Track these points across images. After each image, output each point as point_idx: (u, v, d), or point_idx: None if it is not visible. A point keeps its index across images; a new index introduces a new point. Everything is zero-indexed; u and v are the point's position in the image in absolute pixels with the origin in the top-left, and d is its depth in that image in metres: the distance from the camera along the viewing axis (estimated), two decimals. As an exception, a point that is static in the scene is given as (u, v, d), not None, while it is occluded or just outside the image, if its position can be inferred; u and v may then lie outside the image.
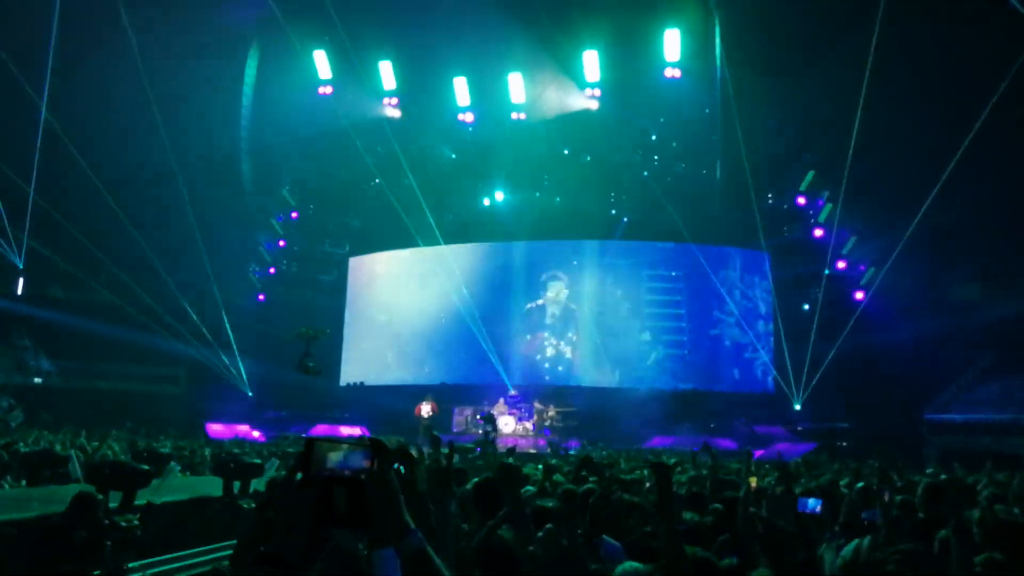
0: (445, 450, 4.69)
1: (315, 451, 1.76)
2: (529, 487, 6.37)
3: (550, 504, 4.47)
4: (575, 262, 30.93)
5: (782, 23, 25.55)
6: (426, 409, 25.73)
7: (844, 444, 24.29)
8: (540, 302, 30.74)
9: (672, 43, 28.05)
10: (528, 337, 30.59)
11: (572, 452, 20.43)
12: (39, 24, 22.68)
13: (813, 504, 4.36)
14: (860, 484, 6.58)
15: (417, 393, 29.97)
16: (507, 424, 26.18)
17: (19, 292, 30.97)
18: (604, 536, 4.14)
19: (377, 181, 31.16)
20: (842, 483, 8.42)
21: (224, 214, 29.48)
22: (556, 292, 30.86)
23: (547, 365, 30.43)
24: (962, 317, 24.92)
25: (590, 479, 6.19)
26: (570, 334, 30.55)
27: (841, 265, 28.38)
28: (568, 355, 30.48)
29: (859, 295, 27.45)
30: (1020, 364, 25.20)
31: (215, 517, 7.50)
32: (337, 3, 26.87)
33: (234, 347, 28.37)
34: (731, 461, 13.15)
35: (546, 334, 30.67)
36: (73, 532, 4.93)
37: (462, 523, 4.05)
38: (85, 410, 23.16)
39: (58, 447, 11.64)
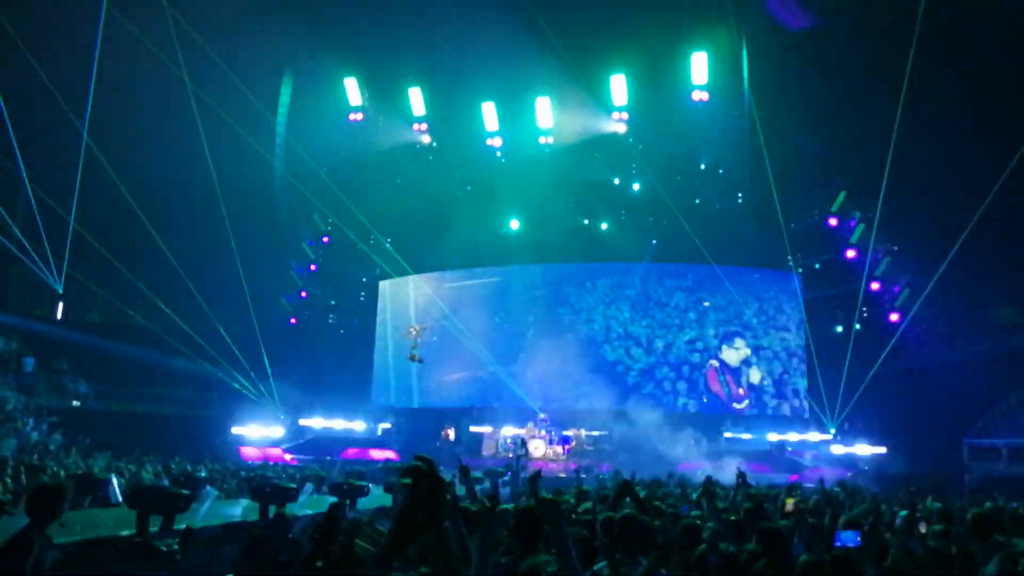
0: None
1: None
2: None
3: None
4: (609, 285, 30.84)
5: (810, 43, 25.48)
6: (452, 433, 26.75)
7: (882, 470, 23.70)
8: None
9: (699, 66, 28.11)
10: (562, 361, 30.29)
11: (604, 476, 20.20)
12: (81, 52, 23.33)
13: (849, 538, 4.25)
14: (903, 512, 6.44)
15: (448, 416, 30.04)
16: (537, 448, 26.08)
17: (59, 317, 31.70)
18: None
19: (407, 205, 31.50)
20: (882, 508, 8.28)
21: (257, 239, 29.95)
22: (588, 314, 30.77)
23: (577, 388, 30.19)
24: (1002, 340, 24.36)
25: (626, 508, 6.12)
26: (598, 356, 30.37)
27: (875, 286, 27.95)
28: (601, 378, 30.24)
29: (894, 317, 26.99)
30: (1063, 387, 24.54)
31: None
32: (368, 31, 27.41)
33: (268, 370, 28.64)
34: (763, 486, 12.94)
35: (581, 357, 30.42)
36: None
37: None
38: (121, 433, 23.48)
39: (96, 470, 11.82)
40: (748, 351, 29.42)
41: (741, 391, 29.11)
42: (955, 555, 4.77)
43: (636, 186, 31.28)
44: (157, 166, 25.19)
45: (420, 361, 27.29)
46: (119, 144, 24.39)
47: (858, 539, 4.17)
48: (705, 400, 29.22)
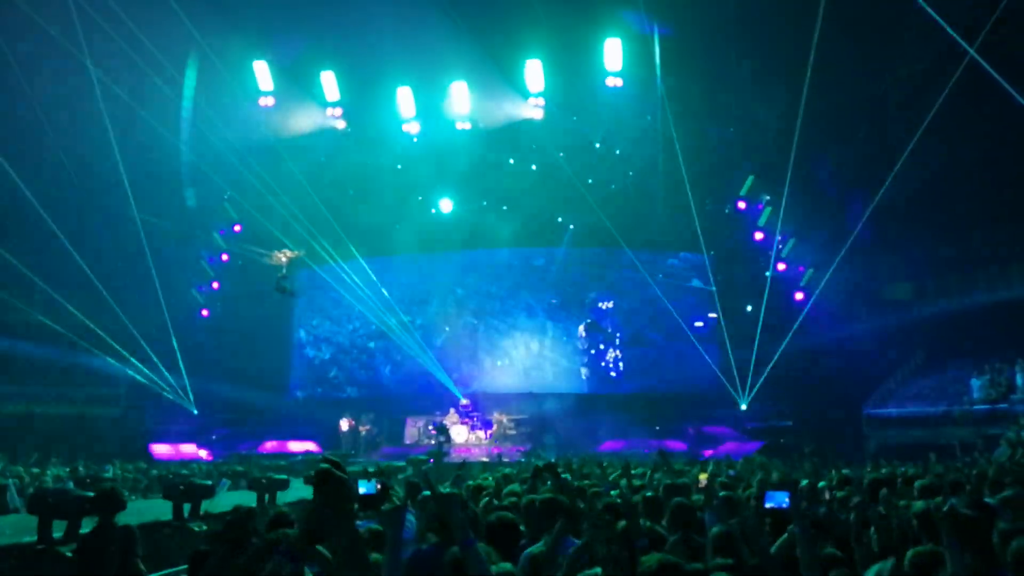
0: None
1: None
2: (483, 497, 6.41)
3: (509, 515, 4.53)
4: (527, 270, 31.14)
5: (720, 31, 26.16)
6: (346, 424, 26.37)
7: (783, 441, 24.69)
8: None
9: (613, 52, 28.47)
10: (481, 347, 30.59)
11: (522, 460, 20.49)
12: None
13: (781, 497, 4.25)
14: (804, 482, 6.80)
15: (367, 406, 29.75)
16: (459, 434, 26.17)
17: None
18: (570, 537, 4.22)
19: (322, 192, 30.70)
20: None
21: (165, 228, 28.73)
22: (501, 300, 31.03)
23: (497, 374, 30.46)
24: (896, 315, 25.93)
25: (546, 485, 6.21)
26: (515, 341, 30.71)
27: (781, 267, 29.15)
28: (517, 362, 30.60)
29: (799, 296, 28.24)
30: (951, 359, 26.31)
31: (166, 541, 7.34)
32: (278, 13, 26.55)
33: (180, 365, 27.59)
34: (679, 462, 13.46)
35: (499, 343, 30.76)
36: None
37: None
38: (18, 435, 22.26)
39: (-7, 476, 11.18)
40: (661, 332, 30.28)
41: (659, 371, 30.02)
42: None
43: (552, 172, 31.52)
44: (56, 152, 23.76)
45: (292, 294, 23.91)
46: (13, 129, 22.91)
47: (786, 500, 4.19)
48: (626, 383, 29.93)
